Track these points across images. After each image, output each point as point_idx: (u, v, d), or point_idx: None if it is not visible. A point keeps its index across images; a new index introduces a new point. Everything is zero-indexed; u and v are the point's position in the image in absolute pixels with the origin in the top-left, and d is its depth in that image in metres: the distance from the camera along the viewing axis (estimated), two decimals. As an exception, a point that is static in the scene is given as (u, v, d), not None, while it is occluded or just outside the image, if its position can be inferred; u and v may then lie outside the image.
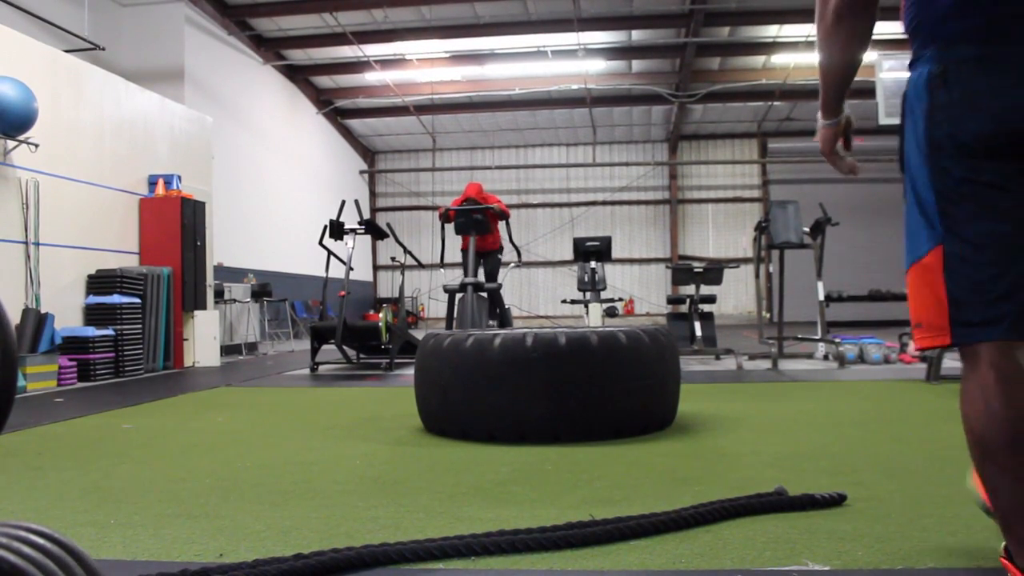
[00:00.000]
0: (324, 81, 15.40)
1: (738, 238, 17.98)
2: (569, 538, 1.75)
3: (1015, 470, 1.13)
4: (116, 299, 6.48)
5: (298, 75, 14.69)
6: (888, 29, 12.27)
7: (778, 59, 13.72)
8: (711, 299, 7.73)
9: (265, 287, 10.80)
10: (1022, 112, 1.20)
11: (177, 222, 7.29)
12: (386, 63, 13.86)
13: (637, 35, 13.20)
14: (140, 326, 6.70)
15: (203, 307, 7.62)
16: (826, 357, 6.81)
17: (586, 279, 7.85)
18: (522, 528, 1.82)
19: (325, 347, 6.91)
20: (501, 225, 7.51)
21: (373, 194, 19.38)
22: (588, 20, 12.20)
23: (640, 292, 18.32)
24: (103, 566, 1.43)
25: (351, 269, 7.13)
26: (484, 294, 7.05)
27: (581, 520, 1.89)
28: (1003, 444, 1.13)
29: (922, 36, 1.32)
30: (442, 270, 7.93)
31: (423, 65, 13.98)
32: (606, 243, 7.94)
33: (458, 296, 6.84)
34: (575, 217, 18.65)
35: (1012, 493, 1.15)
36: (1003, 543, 1.29)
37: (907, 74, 1.36)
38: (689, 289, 7.88)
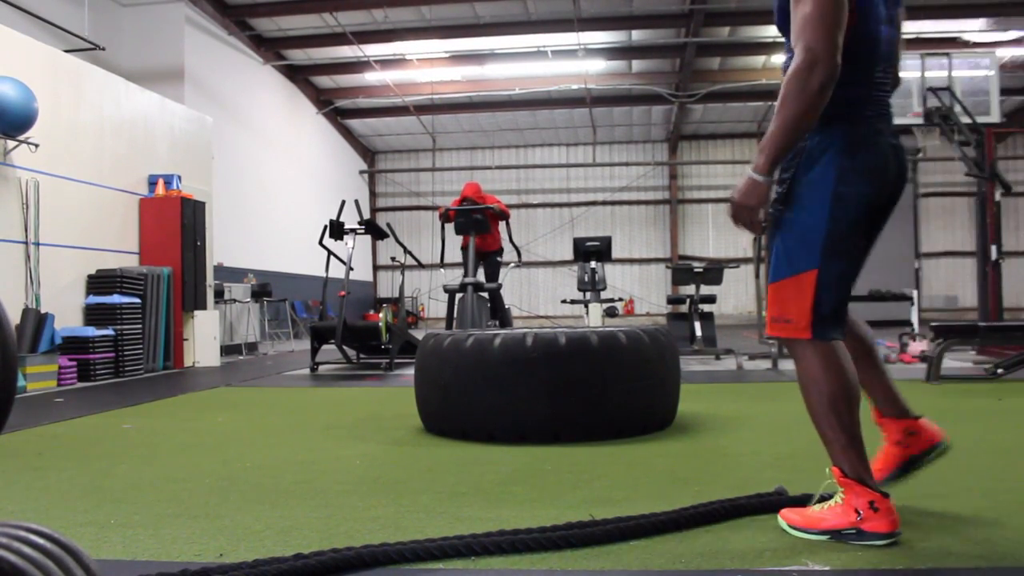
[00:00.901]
0: (324, 81, 15.40)
1: (738, 238, 17.97)
2: (569, 538, 1.76)
3: (846, 410, 1.75)
4: (116, 299, 6.48)
5: (298, 75, 14.69)
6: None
7: (778, 59, 13.70)
8: (711, 299, 7.73)
9: (265, 287, 10.80)
10: (890, 185, 1.78)
11: (177, 222, 7.29)
12: (386, 63, 13.86)
13: (637, 35, 13.19)
14: (140, 326, 6.70)
15: (203, 307, 7.62)
16: (826, 357, 6.79)
17: (586, 279, 7.85)
18: (522, 528, 1.82)
19: (325, 347, 6.90)
20: (501, 225, 7.51)
21: (373, 194, 19.38)
22: (588, 20, 12.19)
23: (640, 292, 18.32)
24: (103, 566, 1.43)
25: (351, 269, 7.13)
26: (484, 294, 7.05)
27: (581, 520, 1.89)
28: (837, 394, 1.75)
29: (835, 109, 1.70)
30: (442, 270, 7.93)
31: (423, 65, 13.97)
32: (606, 243, 7.94)
33: (458, 296, 6.84)
34: (575, 217, 18.65)
35: (841, 426, 1.74)
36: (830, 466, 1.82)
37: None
38: (689, 289, 7.87)
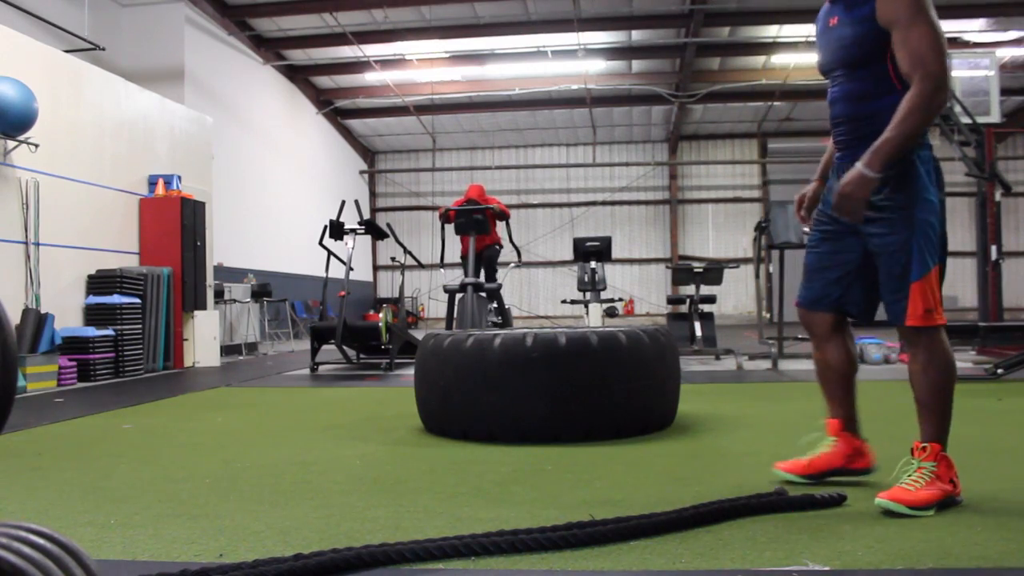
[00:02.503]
0: (324, 81, 15.40)
1: (738, 238, 17.98)
2: (569, 538, 1.76)
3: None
4: (116, 299, 6.48)
5: (298, 75, 14.68)
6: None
7: (778, 59, 13.71)
8: (711, 299, 7.72)
9: (265, 287, 10.79)
10: None
11: (177, 222, 7.29)
12: (386, 63, 13.86)
13: (637, 35, 13.19)
14: (140, 326, 6.70)
15: (203, 307, 7.62)
16: (826, 357, 6.79)
17: (586, 279, 7.85)
18: (522, 528, 1.82)
19: (325, 347, 6.90)
20: (501, 226, 7.51)
21: (373, 194, 19.37)
22: (588, 20, 12.19)
23: (640, 292, 18.31)
24: (103, 566, 1.43)
25: (351, 269, 7.13)
26: (484, 294, 7.05)
27: (581, 520, 1.88)
28: (956, 371, 2.08)
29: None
30: (442, 270, 7.93)
31: (423, 65, 13.97)
32: (606, 243, 7.94)
33: (458, 296, 6.84)
34: (575, 217, 18.65)
35: (952, 403, 2.05)
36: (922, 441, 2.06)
37: None
38: (689, 289, 7.87)
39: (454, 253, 7.56)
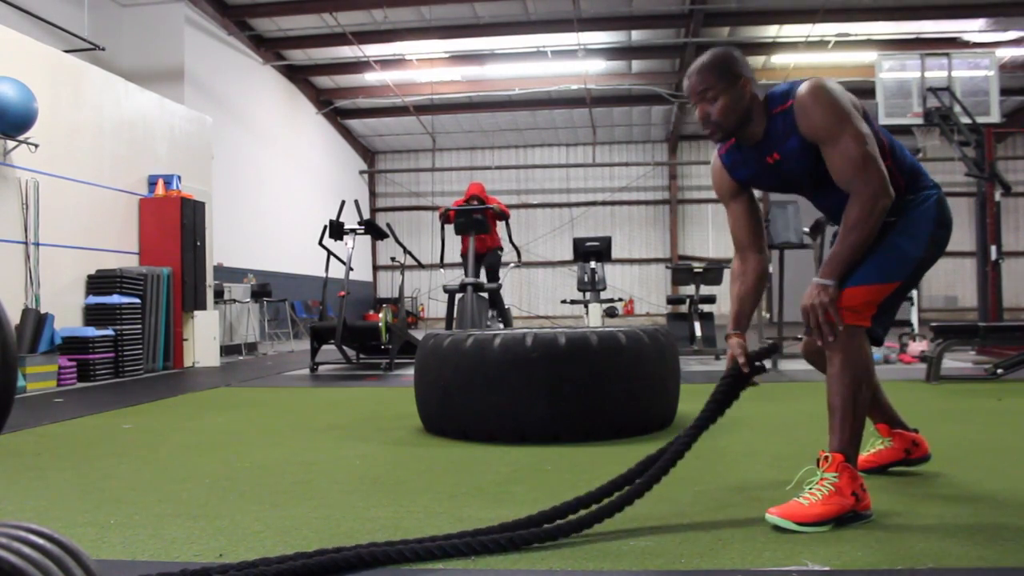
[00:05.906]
0: (324, 81, 15.40)
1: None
2: (563, 527, 1.82)
3: (868, 396, 2.07)
4: (116, 299, 6.48)
5: (298, 75, 14.68)
6: (888, 29, 12.29)
7: (778, 59, 13.71)
8: (711, 299, 7.73)
9: (265, 287, 10.79)
10: (951, 234, 2.16)
11: (177, 222, 7.29)
12: (386, 63, 13.86)
13: (637, 35, 13.19)
14: (140, 326, 6.70)
15: (203, 307, 7.62)
16: (826, 357, 6.78)
17: (586, 279, 7.86)
18: (521, 521, 1.83)
19: (325, 347, 6.90)
20: (501, 225, 7.51)
21: (373, 194, 19.38)
22: (588, 20, 12.19)
23: (640, 292, 18.32)
24: (103, 566, 1.43)
25: (351, 269, 7.13)
26: (484, 294, 7.05)
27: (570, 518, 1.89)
28: (870, 379, 2.08)
29: (925, 179, 2.13)
30: (442, 270, 7.93)
31: (423, 65, 13.97)
32: (606, 243, 7.94)
33: (458, 296, 6.84)
34: (575, 217, 18.65)
35: (863, 411, 2.02)
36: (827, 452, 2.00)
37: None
38: (689, 289, 7.88)
39: (454, 253, 7.56)
